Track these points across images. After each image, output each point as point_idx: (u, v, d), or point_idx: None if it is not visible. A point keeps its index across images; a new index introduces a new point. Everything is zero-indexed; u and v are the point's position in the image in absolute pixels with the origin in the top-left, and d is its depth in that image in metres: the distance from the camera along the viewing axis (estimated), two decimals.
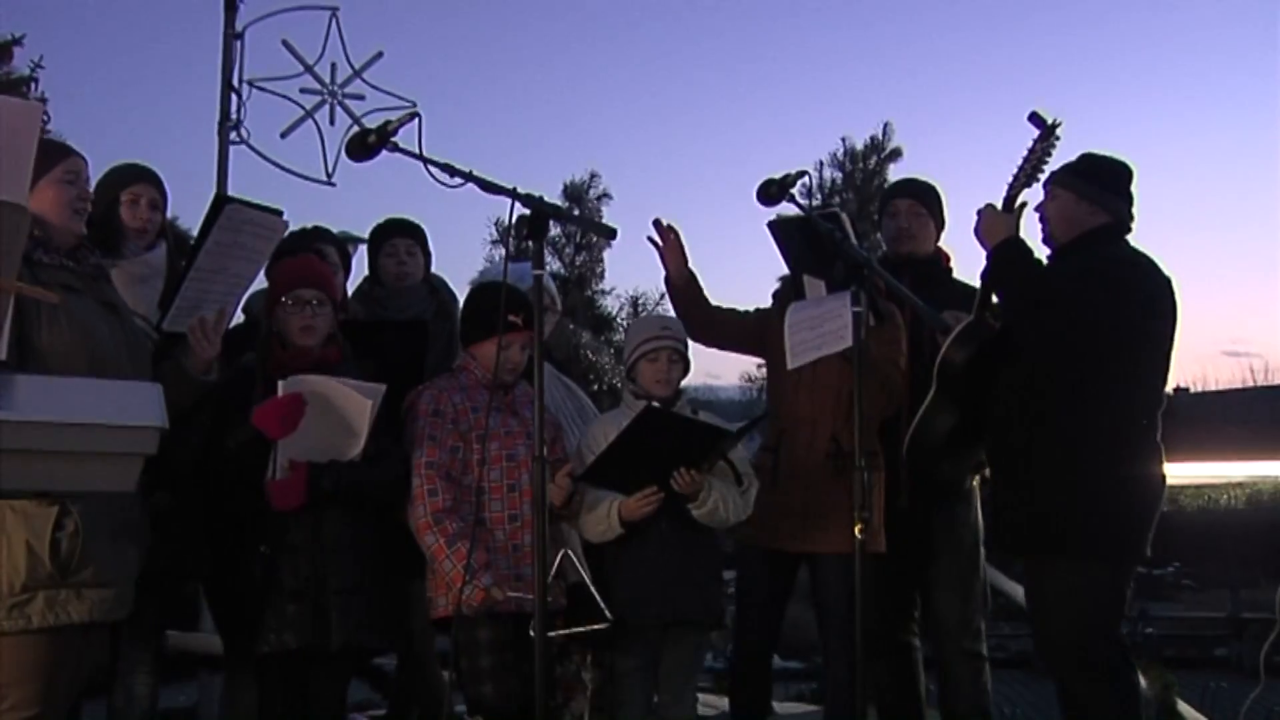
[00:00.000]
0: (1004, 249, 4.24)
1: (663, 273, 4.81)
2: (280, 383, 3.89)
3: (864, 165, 13.61)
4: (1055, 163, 4.30)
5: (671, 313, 4.92)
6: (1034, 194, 4.34)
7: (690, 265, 4.76)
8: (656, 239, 4.75)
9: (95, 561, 3.33)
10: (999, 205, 4.31)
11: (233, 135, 8.60)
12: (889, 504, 4.73)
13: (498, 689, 4.10)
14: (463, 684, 4.12)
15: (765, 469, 4.70)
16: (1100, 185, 4.30)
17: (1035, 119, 4.21)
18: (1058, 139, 4.21)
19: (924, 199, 5.11)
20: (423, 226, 5.37)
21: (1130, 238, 4.34)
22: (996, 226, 4.27)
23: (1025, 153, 4.24)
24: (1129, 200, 4.35)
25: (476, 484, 4.15)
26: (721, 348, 4.96)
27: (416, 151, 3.44)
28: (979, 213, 4.35)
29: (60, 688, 3.39)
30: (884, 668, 5.08)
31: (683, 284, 4.75)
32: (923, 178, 5.24)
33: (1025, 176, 4.25)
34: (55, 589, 3.28)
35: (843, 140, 13.78)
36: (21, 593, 3.24)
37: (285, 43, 8.74)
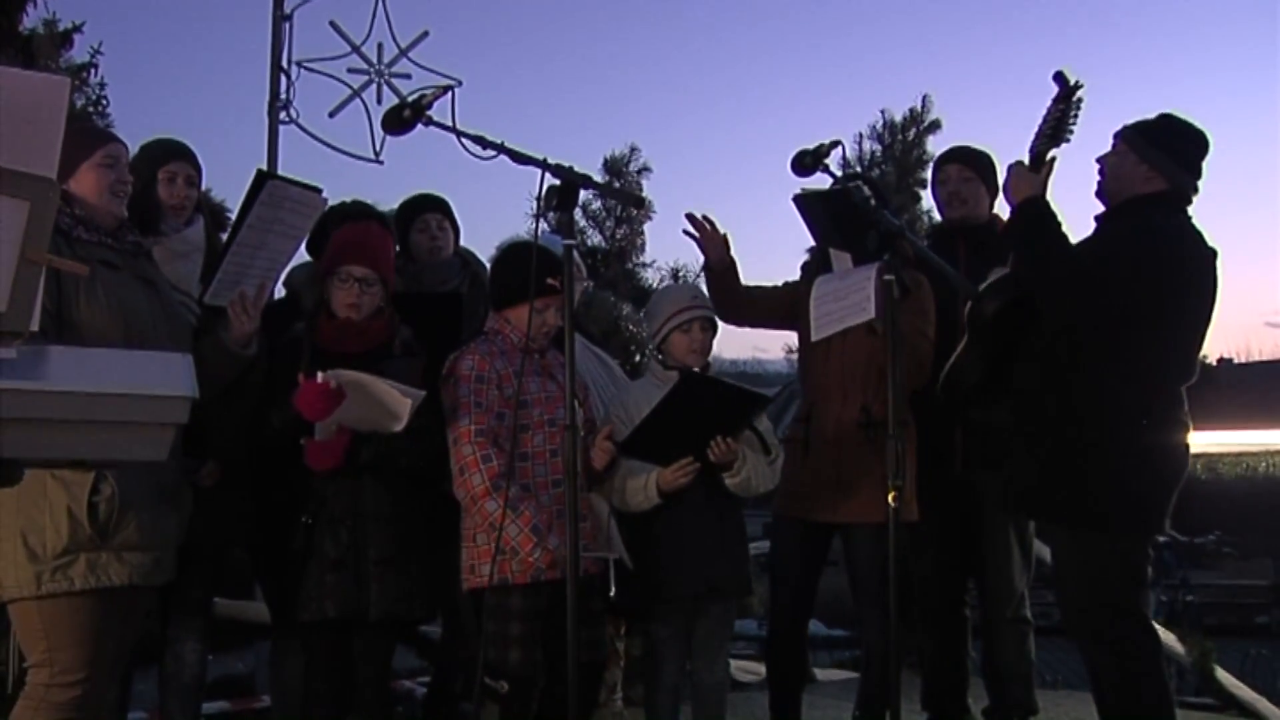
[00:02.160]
0: (1027, 207, 4.15)
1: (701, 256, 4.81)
2: (320, 374, 3.87)
3: (903, 137, 13.55)
4: (1115, 122, 4.25)
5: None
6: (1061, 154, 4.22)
7: (731, 253, 4.76)
8: (692, 230, 4.75)
9: (134, 526, 3.44)
10: (1027, 162, 4.20)
11: (282, 115, 8.72)
12: (941, 472, 4.76)
13: (523, 657, 4.11)
14: (489, 648, 4.12)
15: (797, 440, 4.73)
16: (1165, 150, 4.18)
17: (1059, 78, 4.07)
18: (1079, 100, 4.07)
19: (973, 164, 5.08)
20: (449, 200, 5.43)
21: (1190, 210, 4.21)
22: (1022, 184, 4.17)
23: (1044, 112, 4.13)
24: (1194, 173, 4.21)
25: (520, 450, 4.13)
26: (752, 326, 4.97)
27: (450, 125, 3.48)
28: (1008, 169, 4.27)
29: (107, 653, 3.47)
30: (930, 636, 5.11)
31: (721, 270, 4.74)
32: (979, 143, 5.21)
33: (1047, 137, 4.13)
34: (96, 552, 3.39)
35: (882, 113, 13.75)
36: (63, 555, 3.35)
37: (333, 24, 8.85)
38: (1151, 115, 4.26)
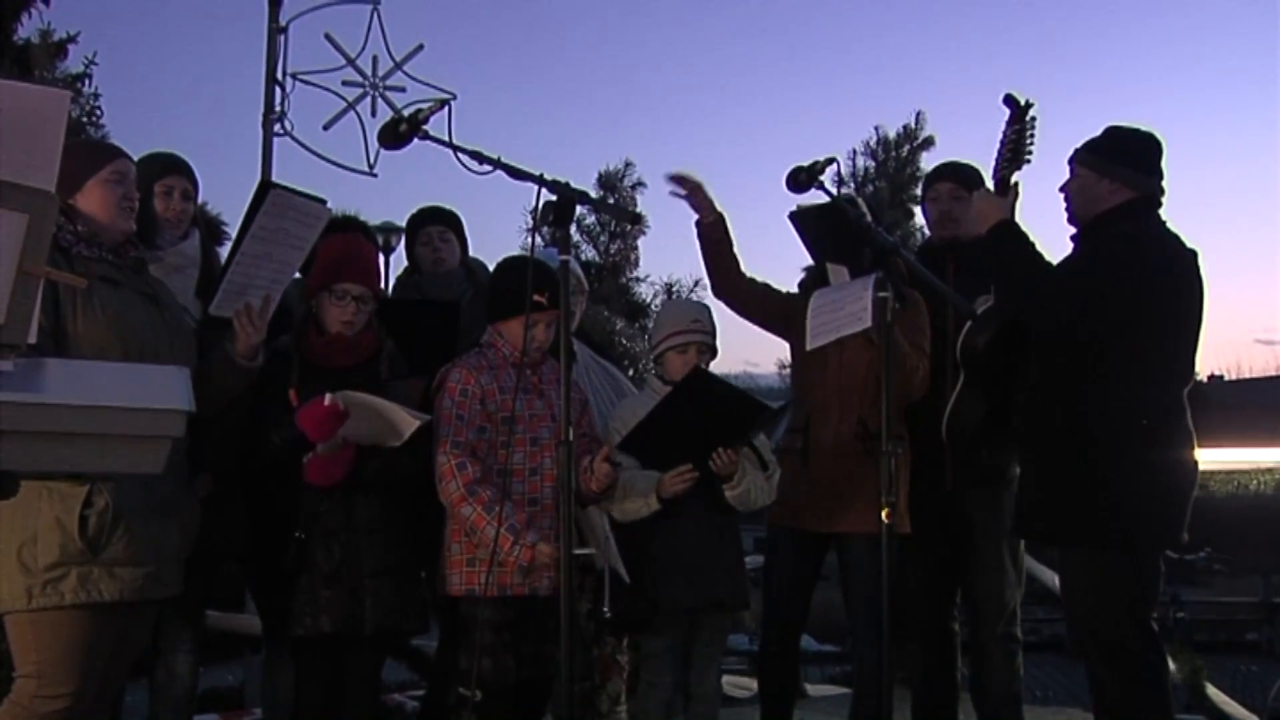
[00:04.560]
0: (999, 231, 4.17)
1: (697, 256, 4.77)
2: (329, 395, 3.87)
3: (897, 154, 13.63)
4: (1075, 140, 4.27)
5: (701, 299, 4.92)
6: (1024, 175, 4.27)
7: (719, 207, 4.68)
8: (678, 190, 4.65)
9: (127, 540, 3.42)
10: (991, 188, 4.25)
11: (277, 127, 8.72)
12: (931, 488, 4.75)
13: (496, 664, 4.12)
14: (463, 657, 4.17)
15: (794, 450, 4.72)
16: (1122, 161, 4.20)
17: (1008, 100, 4.14)
18: (1033, 119, 4.14)
19: (965, 182, 5.02)
20: (457, 212, 5.43)
21: (1160, 213, 4.24)
22: (989, 211, 4.20)
23: (1001, 136, 4.19)
24: (1156, 174, 4.24)
25: (500, 466, 4.15)
26: (744, 311, 4.88)
27: (447, 139, 3.48)
28: (975, 196, 4.32)
29: (97, 668, 3.44)
30: (920, 651, 5.10)
31: (711, 225, 4.68)
32: (965, 161, 5.19)
33: (1007, 160, 4.19)
34: (87, 566, 3.36)
35: (876, 129, 13.84)
36: (54, 569, 3.32)
37: (328, 36, 8.86)
38: (1098, 133, 4.29)
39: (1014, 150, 4.19)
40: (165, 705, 4.47)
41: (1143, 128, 4.30)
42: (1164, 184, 4.26)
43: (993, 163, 4.26)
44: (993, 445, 4.63)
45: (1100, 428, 4.10)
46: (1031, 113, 4.14)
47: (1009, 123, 4.16)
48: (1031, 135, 4.18)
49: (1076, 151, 4.28)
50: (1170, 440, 4.15)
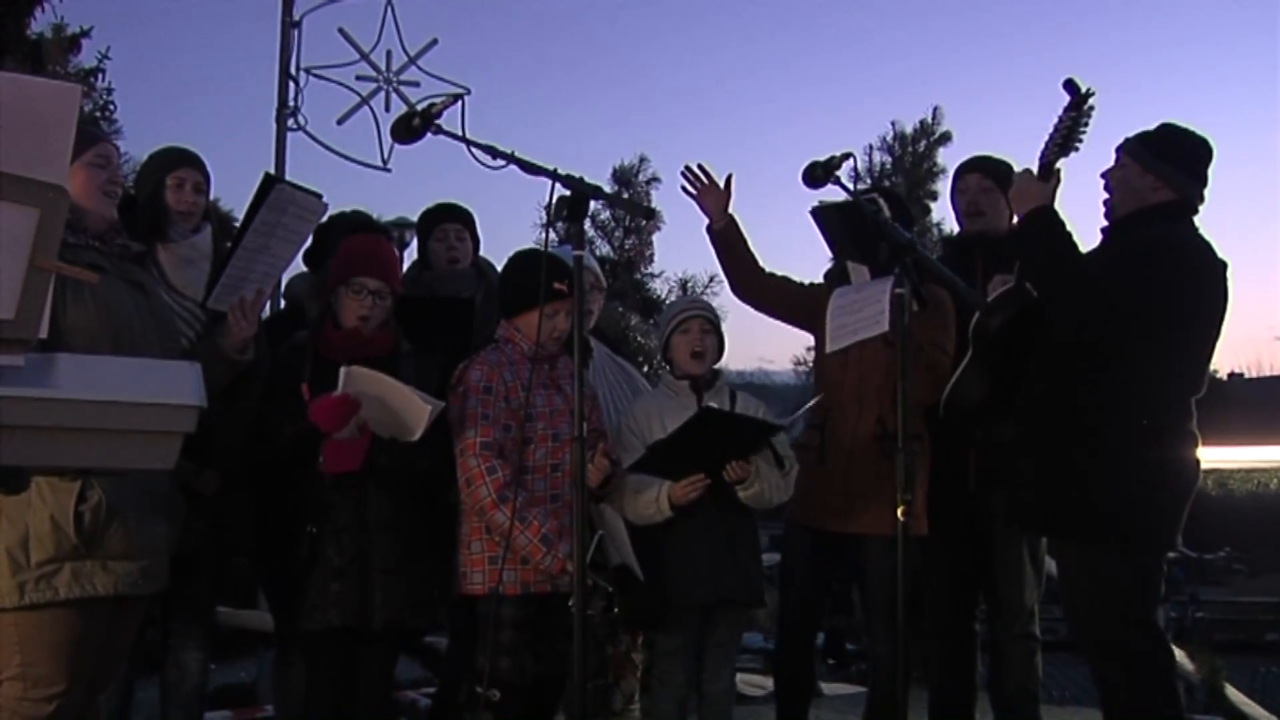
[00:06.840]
0: (1034, 216, 4.09)
1: (712, 252, 4.74)
2: (342, 369, 3.86)
3: (913, 149, 13.61)
4: (1120, 134, 4.20)
5: (716, 300, 4.91)
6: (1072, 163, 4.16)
7: (730, 209, 4.66)
8: (690, 188, 4.65)
9: (121, 535, 3.38)
10: (1035, 171, 4.14)
11: (290, 122, 8.75)
12: (955, 489, 4.72)
13: (514, 663, 4.12)
14: (481, 656, 4.15)
15: (812, 447, 4.70)
16: (1170, 160, 4.14)
17: (1069, 86, 4.01)
18: (1090, 108, 4.02)
19: (993, 174, 4.98)
20: (471, 211, 5.42)
21: (1196, 220, 4.17)
22: (1030, 193, 4.11)
23: (1055, 120, 4.07)
24: (1200, 181, 4.18)
25: (521, 462, 4.12)
26: (766, 309, 4.86)
27: (460, 134, 3.46)
28: (1016, 177, 4.23)
29: (85, 667, 3.40)
30: (939, 650, 5.07)
31: (723, 228, 4.65)
32: (995, 154, 5.12)
33: (1057, 145, 4.08)
34: (81, 561, 3.32)
35: (892, 124, 13.81)
36: (48, 564, 3.29)
37: (341, 31, 8.89)
38: (1152, 126, 4.22)
39: (1066, 137, 4.07)
40: (175, 702, 4.46)
41: (1198, 131, 4.22)
42: (1205, 191, 4.20)
43: (1042, 145, 4.14)
44: (989, 424, 4.58)
45: (1101, 424, 4.05)
46: (1091, 101, 4.03)
47: (1067, 109, 4.04)
48: (1085, 124, 4.06)
49: (1126, 141, 4.22)
50: (1170, 441, 4.08)
